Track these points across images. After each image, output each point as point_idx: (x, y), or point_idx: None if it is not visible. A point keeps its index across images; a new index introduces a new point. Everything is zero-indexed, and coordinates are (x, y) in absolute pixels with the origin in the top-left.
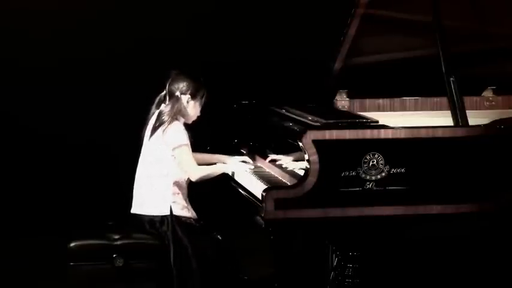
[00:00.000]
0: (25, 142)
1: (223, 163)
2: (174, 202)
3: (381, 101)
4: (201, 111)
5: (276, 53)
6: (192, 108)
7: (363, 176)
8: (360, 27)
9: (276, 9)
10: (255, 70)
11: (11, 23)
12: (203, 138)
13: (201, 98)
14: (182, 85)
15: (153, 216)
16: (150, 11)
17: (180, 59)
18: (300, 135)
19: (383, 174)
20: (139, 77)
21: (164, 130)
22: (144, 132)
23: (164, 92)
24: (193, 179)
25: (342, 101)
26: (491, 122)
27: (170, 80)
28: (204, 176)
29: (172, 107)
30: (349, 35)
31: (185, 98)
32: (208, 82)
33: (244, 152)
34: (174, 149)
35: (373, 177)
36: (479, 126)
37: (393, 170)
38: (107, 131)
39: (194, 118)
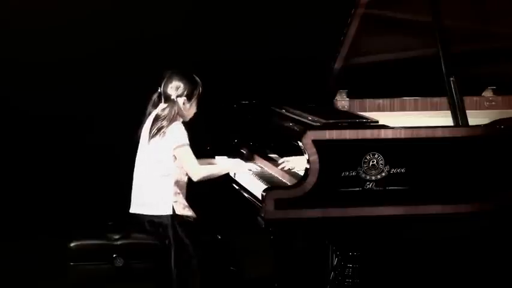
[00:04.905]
0: (25, 143)
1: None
2: (175, 202)
3: (381, 101)
4: (200, 110)
5: (276, 52)
6: (190, 109)
7: (363, 176)
8: (359, 27)
9: (276, 8)
10: (255, 70)
11: (9, 22)
12: (203, 138)
13: (198, 96)
14: (178, 87)
15: (154, 216)
16: (147, 8)
17: (179, 58)
18: (300, 135)
19: (383, 174)
20: (137, 76)
21: (164, 131)
22: (141, 131)
23: (159, 90)
24: (195, 179)
25: (342, 101)
26: (491, 122)
27: (165, 80)
28: (206, 176)
29: (170, 111)
30: (349, 35)
31: (181, 101)
32: (208, 82)
33: (244, 152)
34: (175, 148)
35: (373, 177)
36: (479, 126)
37: (393, 170)
38: (106, 131)
39: (192, 116)
